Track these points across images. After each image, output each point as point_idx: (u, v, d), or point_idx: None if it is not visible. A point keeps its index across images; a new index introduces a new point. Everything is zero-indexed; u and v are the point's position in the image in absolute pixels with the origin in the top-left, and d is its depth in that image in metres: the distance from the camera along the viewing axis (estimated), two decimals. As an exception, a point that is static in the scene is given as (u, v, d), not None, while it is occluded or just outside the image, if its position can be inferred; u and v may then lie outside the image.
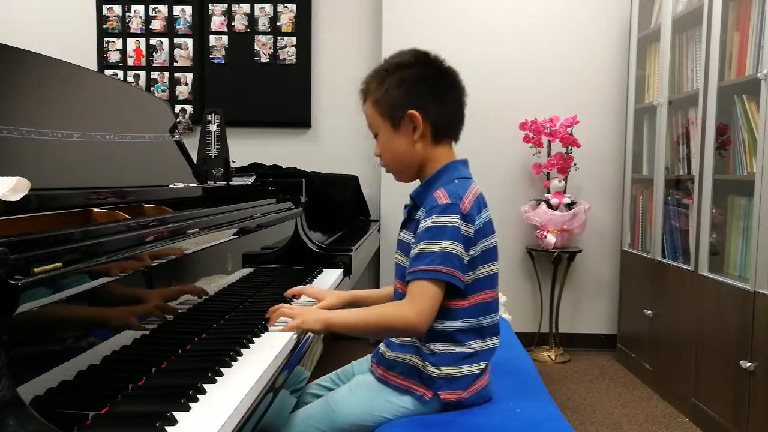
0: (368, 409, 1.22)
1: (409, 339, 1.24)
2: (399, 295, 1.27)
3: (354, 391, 1.28)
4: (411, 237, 1.24)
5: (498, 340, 1.26)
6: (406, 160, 1.28)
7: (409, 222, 1.28)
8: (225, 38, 3.68)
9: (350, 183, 3.32)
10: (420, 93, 1.24)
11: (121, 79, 3.64)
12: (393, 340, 1.27)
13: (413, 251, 1.19)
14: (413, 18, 3.42)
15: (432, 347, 1.20)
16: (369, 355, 1.40)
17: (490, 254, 1.23)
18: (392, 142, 1.27)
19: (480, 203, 1.23)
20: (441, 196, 1.19)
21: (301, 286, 1.57)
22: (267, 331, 1.23)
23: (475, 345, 1.21)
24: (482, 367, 1.23)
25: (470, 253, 1.18)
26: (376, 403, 1.23)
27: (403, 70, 1.25)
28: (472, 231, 1.19)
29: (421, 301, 1.15)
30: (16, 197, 0.85)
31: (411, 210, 1.28)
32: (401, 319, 1.17)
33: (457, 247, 1.16)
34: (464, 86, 1.29)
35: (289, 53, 3.68)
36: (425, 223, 1.18)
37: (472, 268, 1.20)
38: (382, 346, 1.31)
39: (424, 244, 1.17)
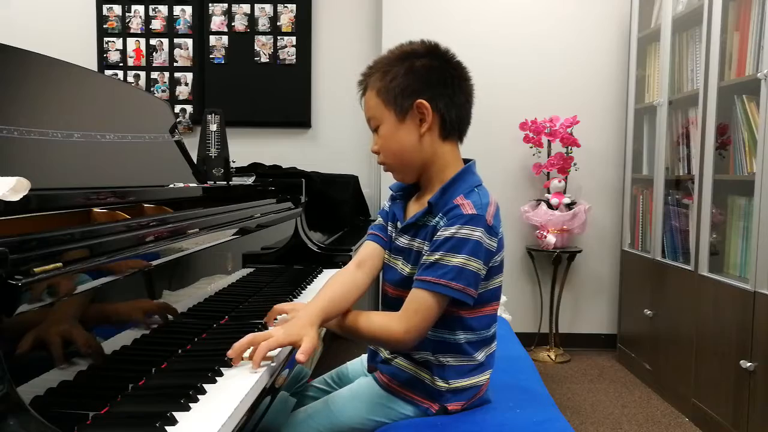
0: (369, 414, 1.21)
1: (417, 350, 1.19)
2: (389, 299, 1.23)
3: (355, 395, 1.26)
4: (422, 244, 1.17)
5: (496, 342, 1.26)
6: (410, 155, 1.18)
7: (420, 228, 1.18)
8: (225, 38, 3.68)
9: (350, 183, 3.32)
10: (430, 83, 1.15)
11: (121, 79, 3.65)
12: None
13: (427, 258, 1.13)
14: (413, 18, 3.42)
15: (442, 359, 1.17)
16: (364, 356, 1.38)
17: (501, 266, 1.20)
18: (396, 135, 1.17)
19: (498, 214, 1.18)
20: (465, 205, 1.12)
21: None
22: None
23: (481, 356, 1.20)
24: (488, 376, 1.22)
25: (489, 265, 1.15)
26: (377, 409, 1.22)
27: (412, 59, 1.16)
28: (495, 243, 1.14)
29: (413, 319, 1.11)
30: (16, 197, 0.84)
31: (423, 216, 1.18)
32: (387, 332, 1.14)
33: (473, 263, 1.10)
34: (473, 84, 1.21)
35: (289, 53, 3.68)
36: (445, 232, 1.11)
37: (488, 278, 1.17)
38: (385, 351, 1.26)
39: (441, 254, 1.10)
